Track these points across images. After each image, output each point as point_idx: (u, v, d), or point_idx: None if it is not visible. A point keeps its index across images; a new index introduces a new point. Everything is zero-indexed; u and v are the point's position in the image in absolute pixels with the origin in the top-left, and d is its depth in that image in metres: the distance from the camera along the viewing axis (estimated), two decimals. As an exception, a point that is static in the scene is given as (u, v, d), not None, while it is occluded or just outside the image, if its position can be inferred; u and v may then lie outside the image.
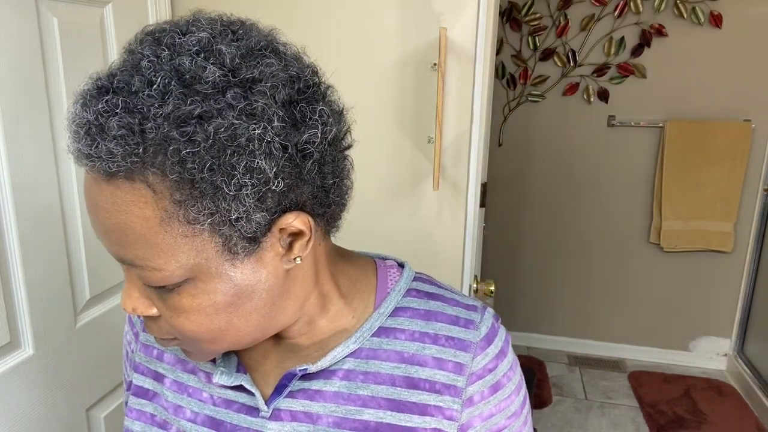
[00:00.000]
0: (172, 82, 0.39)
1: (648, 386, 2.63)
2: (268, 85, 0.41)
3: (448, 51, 1.22)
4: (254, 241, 0.44)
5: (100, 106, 0.39)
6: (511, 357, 0.57)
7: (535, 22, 2.59)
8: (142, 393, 0.60)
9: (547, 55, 2.62)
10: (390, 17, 1.26)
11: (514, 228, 2.88)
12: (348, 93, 1.37)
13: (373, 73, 1.30)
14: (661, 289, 2.78)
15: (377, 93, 1.31)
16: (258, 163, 0.40)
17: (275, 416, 0.54)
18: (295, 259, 0.47)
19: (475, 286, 1.37)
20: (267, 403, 0.54)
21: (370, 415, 0.52)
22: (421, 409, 0.52)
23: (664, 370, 2.79)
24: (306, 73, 0.45)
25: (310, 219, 0.46)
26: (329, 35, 1.30)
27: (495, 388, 0.54)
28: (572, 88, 2.64)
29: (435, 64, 1.23)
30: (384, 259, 0.60)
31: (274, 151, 0.41)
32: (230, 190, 0.40)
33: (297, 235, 0.46)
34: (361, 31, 1.29)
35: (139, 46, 0.42)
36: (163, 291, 0.45)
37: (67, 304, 1.08)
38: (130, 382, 0.63)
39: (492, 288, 1.39)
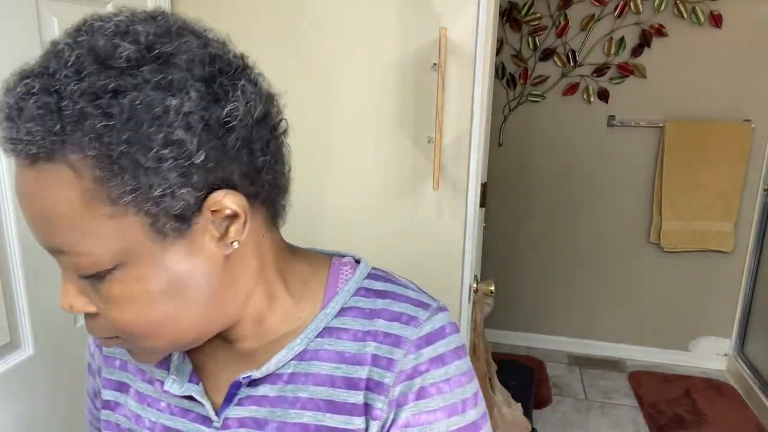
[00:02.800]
0: (87, 60, 0.39)
1: (648, 386, 2.62)
2: (184, 58, 0.41)
3: (448, 51, 1.22)
4: (184, 221, 0.43)
5: (18, 89, 0.40)
6: (451, 371, 0.51)
7: (535, 22, 2.59)
8: (105, 404, 0.60)
9: (547, 55, 2.62)
10: (390, 17, 1.26)
11: (514, 228, 2.88)
12: (348, 93, 1.37)
13: (373, 73, 1.30)
14: (661, 289, 2.78)
15: (377, 93, 1.31)
16: (177, 134, 0.40)
17: (225, 425, 0.53)
18: (232, 243, 0.46)
19: (475, 286, 1.37)
20: (218, 412, 0.53)
21: (310, 417, 0.51)
22: (359, 410, 0.50)
23: (664, 370, 2.79)
24: (228, 54, 0.46)
25: (244, 199, 0.45)
26: (329, 35, 1.30)
27: (420, 394, 0.50)
28: (572, 88, 2.64)
29: (435, 64, 1.23)
30: (342, 256, 0.58)
31: (193, 124, 0.41)
32: (149, 164, 0.39)
33: (233, 218, 0.45)
34: (361, 31, 1.29)
35: (61, 35, 0.42)
36: (96, 280, 0.44)
37: (67, 304, 1.08)
38: (97, 392, 0.63)
39: (492, 288, 1.39)
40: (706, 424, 2.34)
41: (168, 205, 0.41)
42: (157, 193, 0.40)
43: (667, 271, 2.75)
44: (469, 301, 1.36)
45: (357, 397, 0.50)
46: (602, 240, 2.79)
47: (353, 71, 1.31)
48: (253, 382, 0.52)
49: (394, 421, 0.50)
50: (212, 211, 0.44)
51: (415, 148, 1.32)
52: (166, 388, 0.54)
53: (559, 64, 2.62)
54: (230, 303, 0.49)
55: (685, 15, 2.45)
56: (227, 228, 0.46)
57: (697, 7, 2.43)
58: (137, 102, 0.39)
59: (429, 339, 0.51)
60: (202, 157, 0.41)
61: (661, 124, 2.57)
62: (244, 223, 0.46)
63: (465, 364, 0.53)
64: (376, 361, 0.50)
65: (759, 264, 2.60)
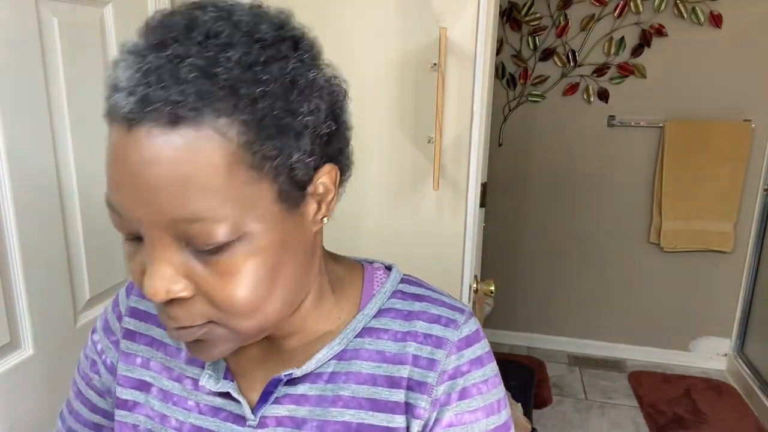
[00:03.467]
0: (236, 34, 0.41)
1: (648, 386, 2.62)
2: (306, 41, 0.46)
3: (448, 51, 1.22)
4: (302, 189, 0.45)
5: (169, 52, 0.39)
6: (488, 372, 0.53)
7: (535, 22, 2.59)
8: (122, 404, 0.59)
9: (547, 55, 2.62)
10: (390, 17, 1.26)
11: (514, 228, 2.88)
12: (348, 93, 1.37)
13: (373, 73, 1.30)
14: (661, 289, 2.78)
15: (377, 93, 1.31)
16: (316, 104, 0.44)
17: (261, 424, 0.53)
18: (322, 219, 0.48)
19: (475, 286, 1.37)
20: (254, 411, 0.53)
21: (352, 415, 0.52)
22: (401, 408, 0.52)
23: (664, 370, 2.79)
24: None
25: (338, 175, 0.48)
26: (329, 35, 1.30)
27: (462, 394, 0.52)
28: (572, 88, 2.64)
29: (435, 64, 1.23)
30: (371, 262, 0.60)
31: (325, 97, 0.45)
32: (295, 130, 0.42)
33: (324, 194, 0.47)
34: (361, 31, 1.29)
35: (181, 11, 0.42)
36: (211, 254, 0.42)
37: (67, 304, 1.08)
38: (104, 391, 0.61)
39: (492, 288, 1.39)
40: (706, 424, 2.34)
41: (298, 172, 0.43)
42: (294, 159, 0.43)
43: (667, 271, 2.75)
44: (469, 301, 1.36)
45: (399, 396, 0.51)
46: (602, 240, 2.79)
47: (353, 71, 1.30)
48: (291, 381, 0.53)
49: (437, 420, 0.51)
50: (317, 183, 0.47)
51: (415, 148, 1.32)
52: (201, 383, 0.53)
53: (559, 64, 2.62)
54: (306, 286, 0.50)
55: (685, 15, 2.45)
56: (319, 203, 0.48)
57: (697, 7, 2.43)
58: (286, 72, 0.42)
59: (468, 341, 0.53)
60: (327, 129, 0.45)
61: (661, 124, 2.57)
62: (332, 198, 0.48)
63: (495, 366, 0.55)
64: (416, 361, 0.52)
65: (759, 264, 2.60)
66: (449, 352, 0.52)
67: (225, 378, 0.54)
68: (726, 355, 2.78)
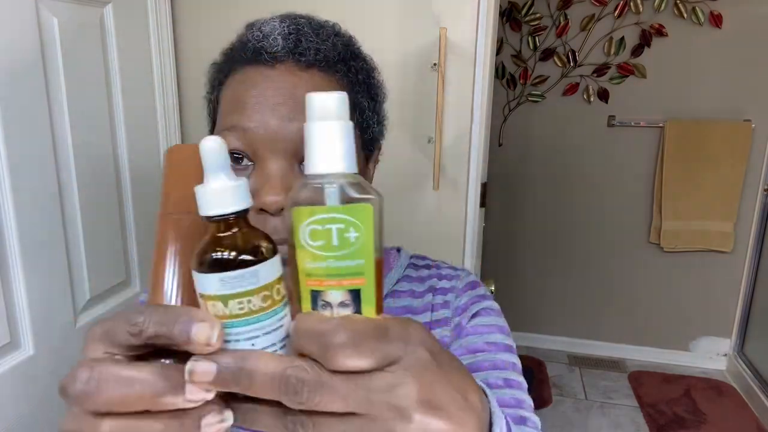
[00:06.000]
0: (339, 30, 0.59)
1: (648, 386, 2.63)
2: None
3: (448, 51, 1.22)
4: (371, 150, 0.60)
5: (309, 21, 0.56)
6: (493, 306, 0.65)
7: (535, 22, 2.59)
8: None
9: (547, 55, 2.62)
10: (390, 17, 1.26)
11: (514, 228, 2.88)
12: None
13: (373, 73, 1.30)
14: (661, 289, 2.78)
15: (377, 93, 1.30)
16: (384, 93, 0.62)
17: None
18: None
19: (475, 286, 1.37)
20: None
21: None
22: None
23: (664, 370, 2.79)
24: None
25: (378, 154, 0.63)
26: (329, 35, 1.30)
27: (474, 316, 0.64)
28: (572, 88, 2.64)
29: (435, 64, 1.23)
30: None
31: (383, 94, 0.62)
32: (376, 99, 0.59)
33: (374, 165, 0.63)
34: (361, 31, 1.28)
35: (289, 17, 0.57)
36: None
37: (67, 304, 1.08)
38: None
39: (492, 288, 1.39)
40: (706, 424, 2.34)
41: (373, 130, 0.59)
42: (374, 119, 0.59)
43: (667, 271, 2.75)
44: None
45: None
46: (602, 240, 2.79)
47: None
48: None
49: (455, 338, 0.62)
50: (376, 151, 0.62)
51: (415, 148, 1.32)
52: None
53: (559, 64, 2.62)
54: None
55: (685, 15, 2.45)
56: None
57: (697, 7, 2.43)
58: (369, 61, 0.60)
59: (471, 285, 0.67)
60: (384, 116, 0.62)
61: (661, 124, 2.57)
62: (372, 175, 0.62)
63: (498, 307, 0.67)
64: (434, 307, 0.65)
65: (759, 264, 2.60)
66: (457, 294, 0.65)
67: None
68: (726, 355, 2.78)
